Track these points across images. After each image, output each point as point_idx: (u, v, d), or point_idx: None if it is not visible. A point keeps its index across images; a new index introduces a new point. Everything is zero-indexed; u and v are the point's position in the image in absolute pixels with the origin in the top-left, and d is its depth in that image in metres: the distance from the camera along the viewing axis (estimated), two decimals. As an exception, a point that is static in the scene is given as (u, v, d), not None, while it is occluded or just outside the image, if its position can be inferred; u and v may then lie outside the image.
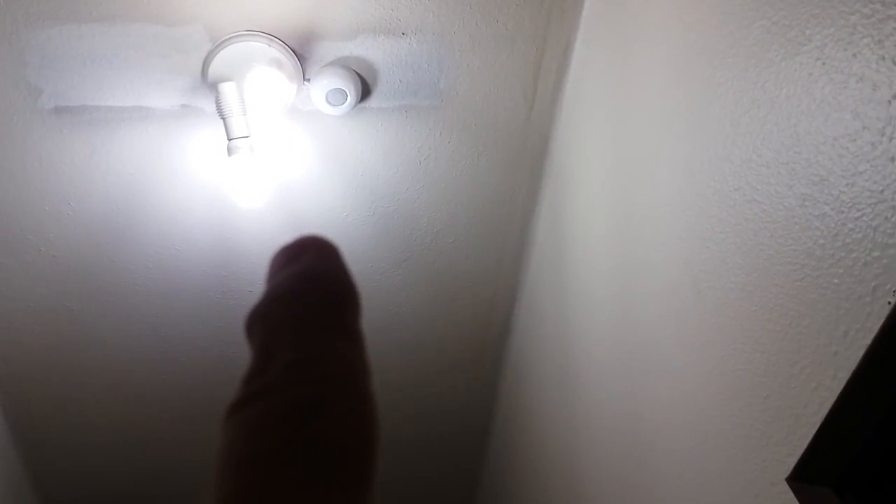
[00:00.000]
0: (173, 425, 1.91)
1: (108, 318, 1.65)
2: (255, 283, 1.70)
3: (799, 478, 0.82)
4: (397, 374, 2.00)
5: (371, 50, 1.44)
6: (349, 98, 1.46)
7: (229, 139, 1.34)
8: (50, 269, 1.55)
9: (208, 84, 1.40)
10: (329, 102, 1.46)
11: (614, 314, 1.36)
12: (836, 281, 0.76)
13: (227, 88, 1.35)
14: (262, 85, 1.40)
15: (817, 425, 0.80)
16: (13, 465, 1.79)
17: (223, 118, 1.35)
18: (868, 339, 0.73)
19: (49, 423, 1.83)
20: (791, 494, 0.85)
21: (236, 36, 1.37)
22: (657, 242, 1.16)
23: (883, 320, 0.71)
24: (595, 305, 1.45)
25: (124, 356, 1.73)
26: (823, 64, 0.76)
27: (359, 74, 1.48)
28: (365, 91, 1.49)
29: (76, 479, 1.95)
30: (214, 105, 1.37)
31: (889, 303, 0.69)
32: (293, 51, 1.42)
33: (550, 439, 1.75)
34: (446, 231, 1.73)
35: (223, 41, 1.37)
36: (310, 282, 0.28)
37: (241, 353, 1.85)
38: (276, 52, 1.40)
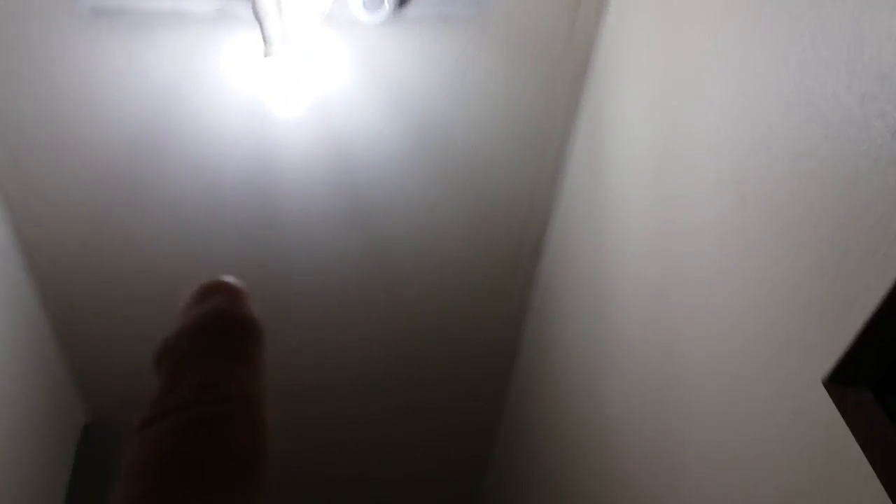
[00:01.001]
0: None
1: (144, 223, 1.68)
2: (290, 195, 1.71)
3: (836, 380, 0.82)
4: (429, 292, 2.02)
5: (410, -46, 1.40)
6: (386, 4, 1.43)
7: (265, 41, 1.33)
8: (88, 173, 1.57)
9: (245, -13, 1.38)
10: (366, 9, 1.44)
11: (652, 224, 1.35)
12: (891, 181, 0.75)
13: (264, -10, 1.32)
14: (299, -12, 1.37)
15: (859, 329, 0.79)
16: (55, 367, 1.86)
17: (259, 20, 1.33)
18: (920, 240, 0.72)
19: (90, 327, 1.88)
20: (824, 398, 0.86)
21: (274, -63, 1.34)
22: (701, 149, 1.14)
23: (938, 219, 0.70)
24: (633, 216, 1.44)
25: (162, 263, 1.76)
26: (895, -48, 0.72)
27: (397, -20, 1.44)
28: (402, -2, 1.46)
29: (111, 373, 2.01)
30: (251, 9, 1.35)
31: (947, 198, 0.67)
32: (331, -46, 1.39)
33: (580, 356, 1.77)
34: (482, 147, 1.72)
35: (261, -58, 1.34)
36: (216, 319, 0.30)
37: (278, 264, 1.88)
38: (315, -46, 1.37)
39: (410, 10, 1.49)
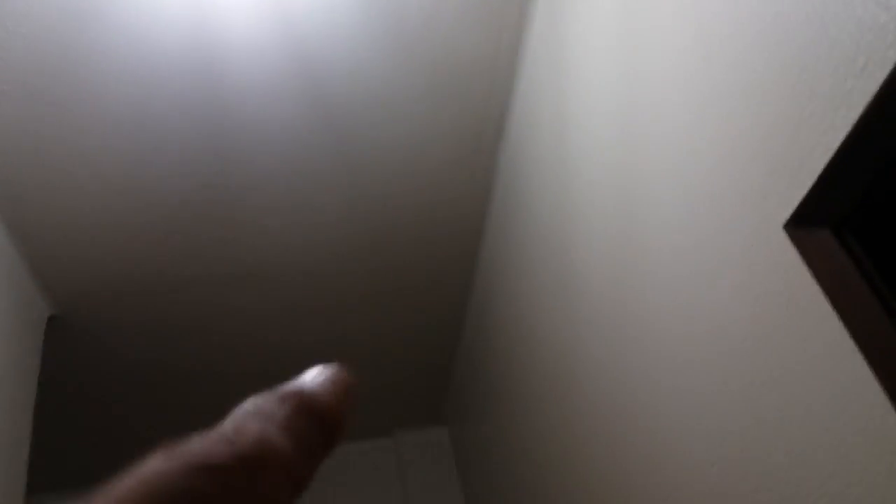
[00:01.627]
0: (163, 213, 1.89)
1: (86, 104, 1.59)
2: (241, 73, 1.62)
3: (797, 223, 0.82)
4: (391, 172, 1.97)
5: None
6: None
7: None
8: (21, 49, 1.46)
9: None
10: None
11: (616, 86, 1.32)
12: (859, 11, 0.72)
13: None
14: None
15: (820, 170, 0.78)
16: (15, 263, 1.82)
17: None
18: (887, 70, 0.69)
19: (45, 221, 1.82)
20: (784, 243, 0.86)
21: None
22: (666, 4, 1.09)
23: (906, 47, 0.67)
24: (596, 81, 1.40)
25: (108, 145, 1.68)
26: None
27: None
28: None
29: (71, 266, 1.97)
30: None
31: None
32: None
33: (545, 226, 1.77)
34: (439, 14, 1.63)
35: None
36: (323, 409, 0.27)
37: (229, 145, 1.81)
38: None
39: None
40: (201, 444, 0.23)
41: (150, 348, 2.34)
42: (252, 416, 0.25)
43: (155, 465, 0.22)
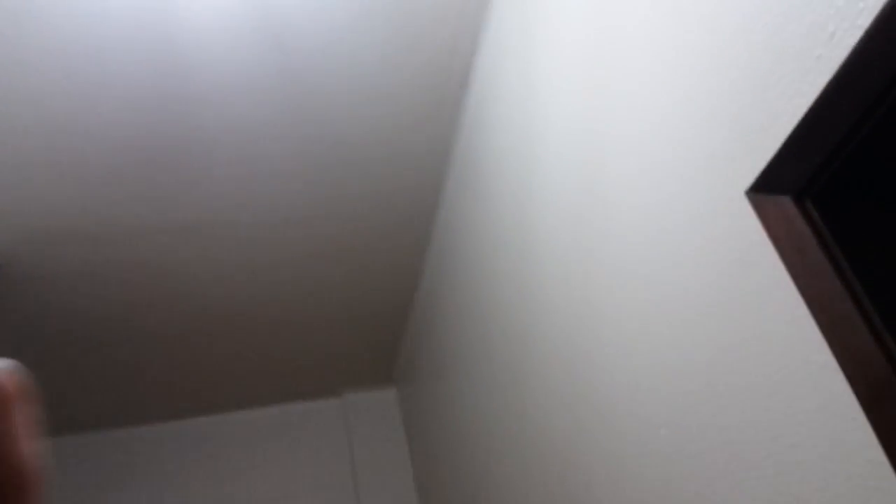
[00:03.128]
0: (110, 158, 1.81)
1: (32, 37, 1.49)
2: (197, 12, 1.55)
3: (759, 188, 0.83)
4: (348, 124, 1.93)
5: None
6: None
7: None
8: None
9: None
10: None
11: (585, 45, 1.30)
12: (834, -23, 0.72)
13: None
14: None
15: (785, 137, 0.79)
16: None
17: None
18: (855, 38, 0.70)
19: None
20: (747, 209, 0.87)
21: None
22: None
23: (876, 14, 0.68)
24: (565, 37, 1.38)
25: (53, 82, 1.59)
26: None
27: None
28: None
29: (11, 210, 1.88)
30: None
31: (889, -9, 0.65)
32: None
33: (507, 186, 1.76)
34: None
35: None
36: None
37: (183, 89, 1.74)
38: None
39: None
40: None
41: (97, 299, 2.27)
42: None
43: None
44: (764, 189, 0.82)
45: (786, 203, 0.79)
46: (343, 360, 3.06)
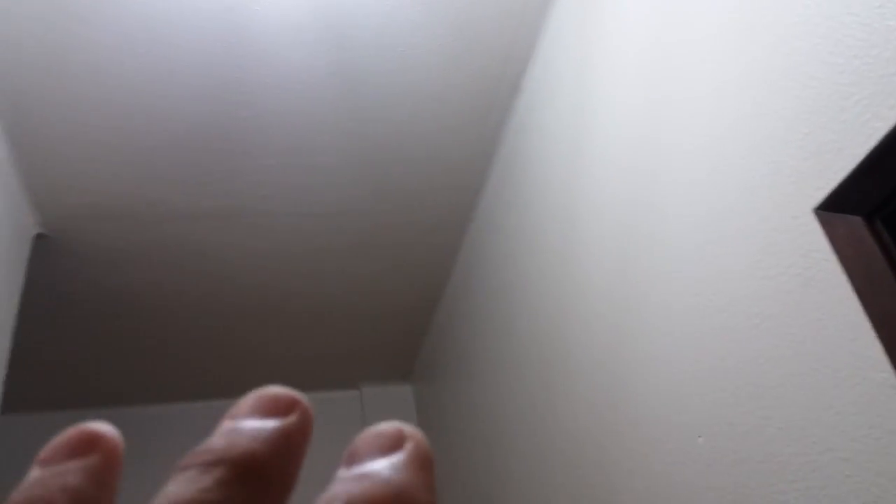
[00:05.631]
0: (165, 140, 1.86)
1: (104, 19, 1.54)
2: (261, 6, 1.59)
3: (829, 207, 0.85)
4: (396, 122, 1.96)
5: None
6: None
7: None
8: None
9: None
10: None
11: (647, 58, 1.32)
12: (923, 5, 0.74)
13: None
14: None
15: (860, 158, 0.81)
16: (7, 176, 1.77)
17: None
18: (943, 67, 0.72)
19: (42, 127, 1.77)
20: (813, 225, 0.89)
21: None
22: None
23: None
24: (626, 52, 1.40)
25: (120, 63, 1.63)
26: None
27: None
28: None
29: (64, 184, 1.93)
30: None
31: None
32: None
33: (550, 195, 1.78)
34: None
35: None
36: None
37: (242, 79, 1.78)
38: None
39: None
40: None
41: (134, 278, 2.31)
42: None
43: None
44: (834, 208, 0.84)
45: (856, 222, 0.81)
46: (365, 354, 3.10)
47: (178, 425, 2.98)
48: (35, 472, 0.21)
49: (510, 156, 2.06)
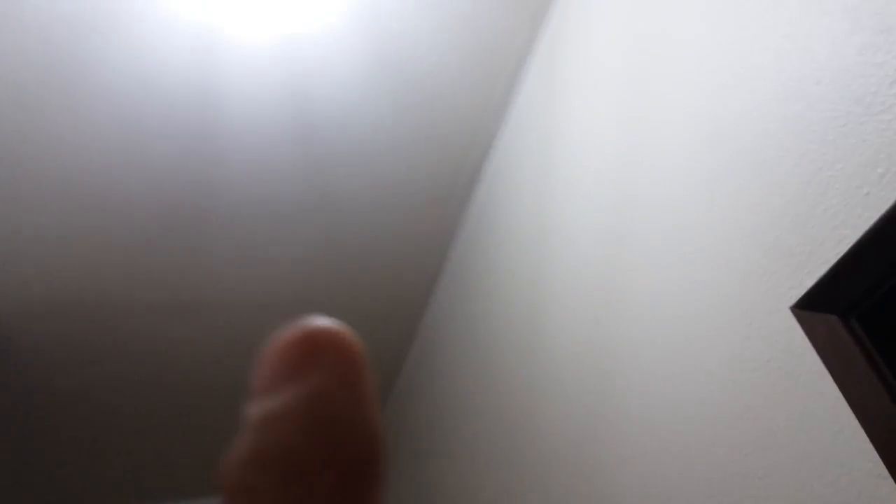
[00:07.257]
0: (125, 235, 1.82)
1: (70, 114, 1.52)
2: (233, 99, 1.61)
3: (805, 306, 0.91)
4: (361, 211, 1.99)
5: None
6: None
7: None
8: (19, 50, 1.40)
9: None
10: None
11: (612, 168, 1.39)
12: (882, 126, 0.82)
13: None
14: None
15: (831, 261, 0.88)
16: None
17: None
18: (904, 182, 0.79)
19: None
20: (789, 322, 0.95)
21: None
22: (676, 78, 1.18)
23: (924, 164, 0.77)
24: (591, 149, 1.47)
25: (83, 158, 1.61)
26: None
27: None
28: None
29: (14, 280, 1.86)
30: None
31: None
32: None
33: (512, 277, 1.82)
34: (439, 67, 1.69)
35: None
36: (321, 440, 0.20)
37: (209, 169, 1.78)
38: None
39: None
40: None
41: (84, 373, 2.22)
42: None
43: None
44: (810, 307, 0.90)
45: (832, 321, 0.87)
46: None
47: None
48: (255, 407, 0.19)
49: (471, 237, 2.10)
